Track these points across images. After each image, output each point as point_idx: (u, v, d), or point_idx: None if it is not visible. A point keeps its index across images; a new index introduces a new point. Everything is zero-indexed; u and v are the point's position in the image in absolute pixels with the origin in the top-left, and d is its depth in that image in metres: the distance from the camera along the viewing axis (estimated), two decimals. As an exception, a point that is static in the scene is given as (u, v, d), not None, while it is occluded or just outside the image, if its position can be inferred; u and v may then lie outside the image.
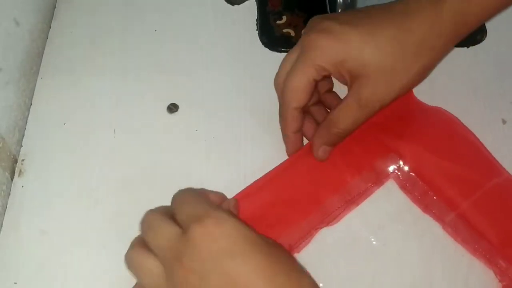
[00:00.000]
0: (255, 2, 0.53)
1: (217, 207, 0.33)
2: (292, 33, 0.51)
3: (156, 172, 0.44)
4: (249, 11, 0.53)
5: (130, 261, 0.33)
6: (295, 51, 0.41)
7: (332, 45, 0.37)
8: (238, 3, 0.53)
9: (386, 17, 0.38)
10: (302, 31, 0.41)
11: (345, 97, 0.40)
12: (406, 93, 0.40)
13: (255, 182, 0.41)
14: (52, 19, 0.53)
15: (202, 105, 0.47)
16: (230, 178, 0.43)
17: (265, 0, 0.53)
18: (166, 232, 0.32)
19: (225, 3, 0.53)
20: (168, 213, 0.34)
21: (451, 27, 0.38)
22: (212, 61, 0.50)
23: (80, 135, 0.46)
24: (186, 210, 0.33)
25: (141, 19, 0.52)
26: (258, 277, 0.30)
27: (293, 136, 0.42)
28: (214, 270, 0.30)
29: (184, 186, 0.43)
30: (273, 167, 0.43)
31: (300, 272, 0.32)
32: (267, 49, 0.50)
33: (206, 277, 0.30)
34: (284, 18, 0.52)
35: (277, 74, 0.42)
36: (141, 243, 0.33)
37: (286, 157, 0.44)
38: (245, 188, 0.41)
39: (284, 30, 0.51)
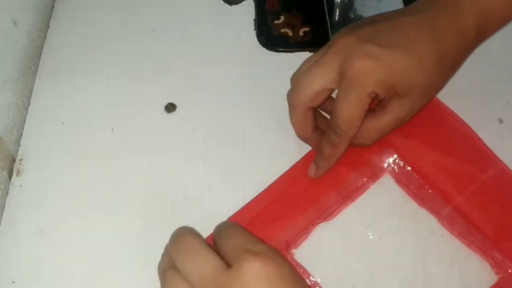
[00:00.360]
0: (253, 2, 0.53)
1: (266, 244, 0.32)
2: (290, 33, 0.51)
3: (154, 171, 0.44)
4: (247, 11, 0.53)
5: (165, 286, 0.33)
6: (326, 72, 0.38)
7: (381, 72, 0.37)
8: (236, 3, 0.53)
9: (422, 33, 0.38)
10: (328, 51, 0.38)
11: (382, 113, 0.40)
12: None
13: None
14: (50, 19, 0.53)
15: (200, 105, 0.47)
16: (228, 178, 0.44)
17: (263, 0, 0.53)
18: (208, 261, 0.31)
19: (223, 3, 0.53)
20: (205, 241, 0.33)
21: (474, 42, 0.40)
22: (210, 61, 0.50)
23: (78, 134, 0.46)
24: (234, 243, 0.32)
25: (139, 19, 0.52)
26: None
27: (336, 161, 0.41)
28: None
29: (181, 185, 0.43)
30: (271, 166, 0.43)
31: None
32: (265, 49, 0.50)
33: None
34: (282, 18, 0.52)
35: (298, 89, 0.39)
36: (174, 267, 0.32)
37: (284, 157, 0.44)
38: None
39: (282, 30, 0.51)
